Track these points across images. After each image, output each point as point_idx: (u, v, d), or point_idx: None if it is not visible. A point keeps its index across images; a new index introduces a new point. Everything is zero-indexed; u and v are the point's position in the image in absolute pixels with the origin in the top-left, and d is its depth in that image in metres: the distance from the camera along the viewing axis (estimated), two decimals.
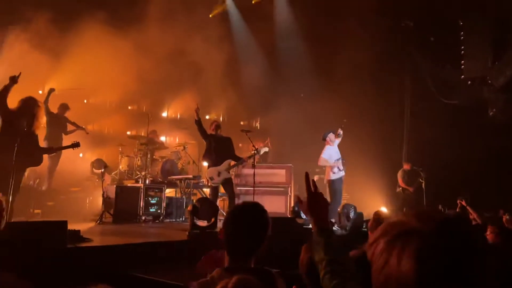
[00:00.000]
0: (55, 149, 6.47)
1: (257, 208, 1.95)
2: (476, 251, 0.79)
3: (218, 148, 7.45)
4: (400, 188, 10.21)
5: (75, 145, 5.76)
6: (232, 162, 7.51)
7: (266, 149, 8.31)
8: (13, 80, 5.10)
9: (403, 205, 9.83)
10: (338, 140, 7.87)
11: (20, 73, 5.15)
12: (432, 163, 9.80)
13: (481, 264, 0.78)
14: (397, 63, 11.53)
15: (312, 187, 1.61)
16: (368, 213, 7.85)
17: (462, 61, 10.08)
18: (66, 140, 8.33)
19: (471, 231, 0.83)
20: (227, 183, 7.40)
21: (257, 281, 1.38)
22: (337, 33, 11.01)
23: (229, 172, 7.49)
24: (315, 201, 1.57)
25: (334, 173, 7.60)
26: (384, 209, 9.00)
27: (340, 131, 7.87)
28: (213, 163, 7.40)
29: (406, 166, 10.24)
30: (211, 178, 7.33)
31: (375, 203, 9.81)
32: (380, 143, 10.70)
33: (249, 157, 7.64)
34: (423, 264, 0.77)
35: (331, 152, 7.66)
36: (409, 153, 11.08)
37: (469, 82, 10.09)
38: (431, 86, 10.76)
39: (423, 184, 9.59)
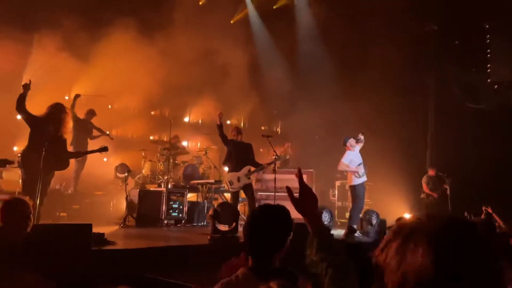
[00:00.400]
0: (83, 153, 6.64)
1: (278, 210, 1.96)
2: (478, 246, 0.82)
3: (238, 153, 7.47)
4: (424, 194, 10.03)
5: (103, 149, 5.75)
6: (252, 168, 7.51)
7: (287, 156, 8.27)
8: (26, 87, 5.23)
9: (427, 212, 9.64)
10: (359, 146, 7.77)
11: (30, 81, 5.26)
12: (457, 169, 9.58)
13: (484, 260, 0.81)
14: (421, 67, 11.36)
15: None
16: (391, 220, 7.74)
17: (488, 65, 9.86)
18: (91, 145, 8.53)
19: (475, 229, 0.86)
20: (247, 188, 7.42)
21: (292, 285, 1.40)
22: (359, 37, 10.95)
23: (249, 178, 7.50)
24: (307, 195, 1.56)
25: (355, 178, 7.51)
26: (407, 216, 8.85)
27: (361, 136, 7.78)
28: (233, 169, 7.42)
29: (431, 172, 10.04)
30: (231, 183, 7.36)
31: (398, 209, 9.65)
32: (404, 148, 10.53)
33: (269, 164, 7.64)
34: (438, 256, 0.81)
35: (351, 157, 7.57)
36: (433, 158, 10.87)
37: (496, 86, 9.85)
38: (456, 91, 10.55)
39: (448, 191, 9.38)
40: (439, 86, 11.25)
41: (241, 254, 2.27)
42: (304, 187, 1.56)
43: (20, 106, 5.20)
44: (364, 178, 7.56)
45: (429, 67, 11.47)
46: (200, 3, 12.05)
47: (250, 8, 12.75)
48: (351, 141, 7.65)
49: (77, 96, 8.24)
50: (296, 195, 1.55)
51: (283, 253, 1.93)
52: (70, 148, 7.45)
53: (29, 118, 5.29)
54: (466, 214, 8.40)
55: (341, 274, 1.35)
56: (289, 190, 1.60)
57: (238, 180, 7.35)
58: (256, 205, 8.44)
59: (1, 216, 2.97)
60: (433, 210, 9.53)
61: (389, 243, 0.89)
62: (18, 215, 2.99)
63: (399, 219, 3.48)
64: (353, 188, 7.54)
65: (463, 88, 10.51)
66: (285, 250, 1.93)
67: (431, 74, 11.45)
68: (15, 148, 8.62)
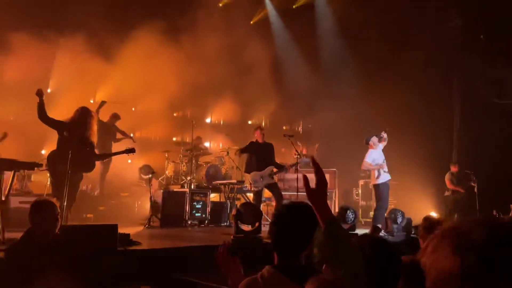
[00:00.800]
0: (110, 154, 6.74)
1: (304, 208, 1.96)
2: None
3: (260, 154, 7.49)
4: (450, 192, 9.82)
5: (130, 150, 5.84)
6: (275, 169, 7.51)
7: (307, 159, 8.25)
8: (40, 94, 5.30)
9: (454, 209, 9.44)
10: (382, 144, 7.65)
11: (40, 89, 5.33)
12: (485, 166, 9.34)
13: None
14: (445, 63, 11.10)
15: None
16: (417, 219, 7.60)
17: None
18: (115, 148, 8.69)
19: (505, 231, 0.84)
20: (274, 188, 7.43)
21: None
22: (382, 34, 10.79)
23: (272, 178, 7.50)
24: (323, 187, 1.53)
25: (379, 176, 7.41)
26: (433, 214, 8.68)
27: (384, 134, 7.65)
28: (255, 169, 7.43)
29: (453, 168, 9.84)
30: (254, 182, 7.36)
31: (424, 208, 9.47)
32: (429, 146, 10.32)
33: (292, 166, 7.64)
34: (464, 257, 0.81)
35: (374, 156, 7.46)
36: (460, 155, 10.63)
37: None
38: (481, 86, 10.27)
39: (475, 188, 9.15)
40: (464, 82, 10.99)
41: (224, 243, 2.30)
42: (321, 177, 1.55)
43: (41, 114, 5.28)
44: (387, 177, 7.44)
45: (454, 63, 11.21)
46: (220, 4, 12.13)
47: (270, 8, 12.74)
48: (374, 139, 7.54)
49: (103, 103, 8.39)
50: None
51: (308, 251, 1.93)
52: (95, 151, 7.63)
53: (54, 124, 5.42)
54: (495, 212, 8.19)
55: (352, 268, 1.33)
56: (305, 178, 1.59)
57: (262, 179, 7.36)
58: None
59: (29, 217, 3.05)
60: (459, 206, 9.35)
61: (430, 242, 0.91)
62: (45, 216, 3.06)
63: (426, 218, 3.40)
64: (377, 187, 7.45)
65: (489, 83, 10.23)
66: (310, 248, 1.92)
67: (456, 70, 11.19)
68: (43, 152, 8.86)
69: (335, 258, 1.36)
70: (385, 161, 7.48)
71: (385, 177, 7.40)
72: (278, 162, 7.70)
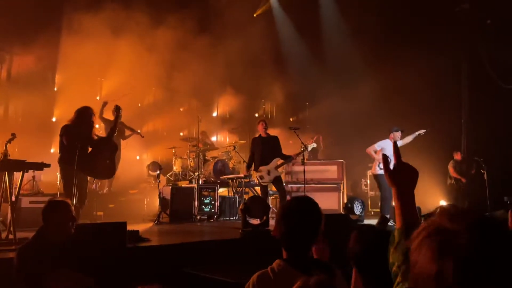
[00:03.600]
0: (112, 129, 6.42)
1: (310, 202, 2.00)
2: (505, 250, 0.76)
3: (266, 147, 7.48)
4: (452, 180, 9.75)
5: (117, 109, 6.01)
6: (280, 161, 7.50)
7: (314, 145, 8.20)
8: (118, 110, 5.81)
9: (458, 197, 9.38)
10: (401, 141, 7.36)
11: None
12: (495, 153, 9.24)
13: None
14: (453, 49, 10.95)
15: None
16: (426, 208, 7.55)
17: None
18: (123, 145, 8.74)
19: (500, 230, 0.79)
20: (278, 181, 7.41)
21: (331, 279, 1.39)
22: (387, 21, 10.66)
23: (278, 170, 7.50)
24: (405, 168, 1.30)
25: (378, 167, 7.31)
26: (443, 203, 8.63)
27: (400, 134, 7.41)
28: (262, 163, 7.43)
29: (456, 156, 9.79)
30: (261, 177, 7.37)
31: (433, 197, 9.42)
32: (437, 134, 10.21)
33: (297, 155, 7.58)
34: (442, 263, 0.76)
35: (384, 145, 7.34)
36: (469, 143, 10.52)
37: None
38: (490, 71, 10.13)
39: (485, 175, 9.07)
40: (472, 68, 10.84)
41: None
42: (400, 160, 1.33)
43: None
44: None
45: (461, 48, 11.06)
46: None
47: (273, 0, 12.68)
48: (397, 133, 7.33)
49: (105, 104, 8.40)
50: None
51: (314, 243, 1.99)
52: None
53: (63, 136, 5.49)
54: (506, 199, 8.11)
55: None
56: (385, 158, 1.43)
57: (268, 173, 7.36)
58: (288, 197, 8.44)
59: (45, 217, 3.07)
60: (463, 195, 9.30)
61: (414, 239, 0.85)
62: (58, 215, 3.08)
63: (439, 209, 3.32)
64: (376, 177, 7.40)
65: (497, 68, 10.08)
66: (316, 241, 1.98)
67: (464, 55, 11.04)
68: (52, 150, 8.94)
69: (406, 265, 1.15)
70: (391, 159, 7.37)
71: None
72: (284, 154, 7.63)
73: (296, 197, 2.13)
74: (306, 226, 1.92)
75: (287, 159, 7.57)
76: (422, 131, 7.43)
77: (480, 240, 0.76)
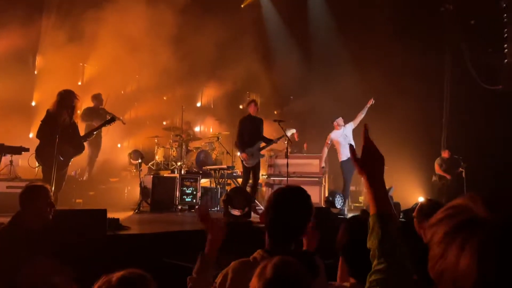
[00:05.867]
0: (94, 129, 6.32)
1: (303, 193, 1.95)
2: None
3: (251, 129, 7.45)
4: (436, 177, 9.93)
5: (111, 120, 5.88)
6: (263, 144, 7.53)
7: (293, 130, 8.32)
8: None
9: (440, 195, 9.57)
10: (352, 123, 8.10)
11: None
12: (473, 151, 9.44)
13: None
14: (436, 48, 11.11)
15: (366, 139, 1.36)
16: (405, 203, 7.69)
17: (505, 45, 9.61)
18: (105, 132, 8.58)
19: None
20: (257, 167, 7.41)
21: (298, 262, 1.38)
22: (373, 17, 10.72)
23: (260, 153, 7.52)
24: (371, 155, 1.33)
25: (342, 154, 7.95)
26: (421, 199, 8.79)
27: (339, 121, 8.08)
28: (248, 144, 7.36)
29: (444, 154, 9.95)
30: (245, 159, 7.32)
31: (412, 193, 9.59)
32: (418, 131, 10.39)
33: (278, 138, 7.71)
34: (485, 264, 0.65)
35: (334, 135, 8.06)
36: (449, 141, 10.73)
37: None
38: (472, 71, 10.32)
39: (464, 174, 9.27)
40: (454, 67, 11.03)
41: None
42: (368, 144, 1.34)
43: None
44: (347, 155, 7.80)
45: (444, 48, 11.22)
46: None
47: None
48: (339, 120, 8.07)
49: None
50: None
51: (300, 236, 1.95)
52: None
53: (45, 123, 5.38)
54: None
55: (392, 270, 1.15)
56: (351, 148, 1.45)
57: (252, 155, 7.33)
58: (268, 189, 8.48)
59: (22, 202, 3.00)
60: (445, 193, 9.47)
61: (438, 224, 0.75)
62: (41, 201, 3.01)
63: (418, 205, 3.27)
64: (340, 164, 7.99)
65: (479, 69, 10.28)
66: (302, 234, 1.94)
67: (447, 55, 11.22)
68: (30, 135, 8.73)
69: (380, 250, 1.18)
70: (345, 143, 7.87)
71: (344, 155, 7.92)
72: (265, 136, 7.66)
73: (290, 186, 2.07)
74: (295, 217, 1.87)
75: (269, 142, 7.63)
76: (370, 103, 8.09)
77: (503, 221, 0.67)
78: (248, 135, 7.41)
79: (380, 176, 1.31)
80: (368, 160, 1.32)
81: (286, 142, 7.72)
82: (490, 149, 9.23)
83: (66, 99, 5.45)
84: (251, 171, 7.40)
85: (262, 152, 7.75)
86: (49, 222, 3.06)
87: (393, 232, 1.21)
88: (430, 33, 10.73)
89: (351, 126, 8.07)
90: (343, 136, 7.96)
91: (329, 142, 8.16)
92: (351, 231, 1.80)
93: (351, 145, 1.46)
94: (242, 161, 7.42)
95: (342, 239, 1.80)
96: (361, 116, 8.04)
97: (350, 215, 7.33)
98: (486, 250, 0.66)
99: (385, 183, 1.31)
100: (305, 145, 11.05)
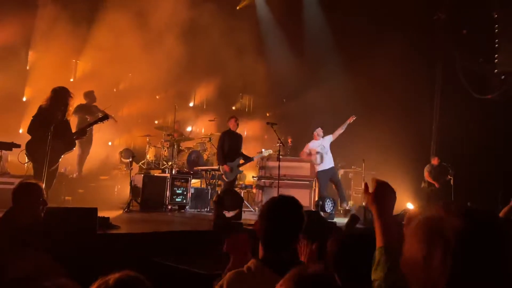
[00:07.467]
0: (86, 126, 6.22)
1: (296, 203, 1.99)
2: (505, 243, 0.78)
3: (232, 144, 7.73)
4: (425, 184, 10.03)
5: (104, 118, 5.83)
6: (241, 161, 7.78)
7: (270, 151, 8.56)
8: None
9: (428, 201, 9.66)
10: (331, 136, 8.42)
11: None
12: (462, 159, 9.56)
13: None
14: (427, 56, 11.24)
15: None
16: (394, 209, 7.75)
17: (496, 55, 9.76)
18: (97, 129, 8.52)
19: (492, 218, 0.82)
20: (234, 182, 7.81)
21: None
22: (366, 24, 10.82)
23: (239, 169, 7.78)
24: (383, 189, 1.39)
25: (316, 165, 8.31)
26: (410, 206, 8.88)
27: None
28: (229, 159, 7.62)
29: (434, 161, 10.05)
30: (225, 173, 7.53)
31: (401, 199, 9.65)
32: (408, 137, 10.49)
33: (258, 155, 8.18)
34: (456, 266, 0.76)
35: (312, 145, 8.37)
36: (438, 148, 10.84)
37: (503, 76, 9.77)
38: (462, 80, 10.46)
39: (452, 181, 9.38)
40: (445, 76, 11.16)
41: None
42: (381, 182, 1.42)
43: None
44: (323, 166, 8.25)
45: (436, 56, 11.36)
46: None
47: None
48: (318, 130, 8.43)
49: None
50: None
51: (293, 245, 1.98)
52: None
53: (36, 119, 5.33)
54: (469, 204, 8.42)
55: None
56: (365, 186, 1.53)
57: (231, 170, 7.55)
58: (258, 191, 8.54)
59: (15, 199, 2.98)
60: (433, 200, 9.56)
61: (410, 235, 0.86)
62: (29, 198, 3.00)
63: (406, 212, 3.41)
64: (316, 174, 8.38)
65: (470, 78, 10.42)
66: (295, 243, 1.98)
67: (438, 63, 11.35)
68: (20, 131, 8.65)
69: (385, 282, 1.21)
70: (323, 152, 8.24)
71: (320, 166, 8.29)
72: (244, 154, 7.96)
73: (283, 196, 2.10)
74: (289, 226, 1.91)
75: (247, 160, 7.89)
76: (351, 120, 8.31)
77: (471, 226, 0.78)
78: (229, 150, 7.66)
79: (390, 209, 1.36)
80: (380, 193, 1.37)
81: (279, 144, 7.83)
82: (479, 157, 9.35)
83: (60, 96, 5.43)
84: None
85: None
86: (40, 219, 3.05)
87: (398, 265, 1.25)
88: (422, 41, 10.86)
89: (329, 138, 8.46)
90: (321, 146, 8.32)
91: (306, 151, 8.46)
92: (345, 246, 1.78)
93: (365, 183, 1.53)
94: (222, 175, 7.57)
95: (332, 253, 1.74)
96: (340, 131, 8.38)
97: (340, 219, 7.38)
98: (457, 254, 0.77)
99: (393, 216, 1.35)
100: (289, 139, 11.12)
